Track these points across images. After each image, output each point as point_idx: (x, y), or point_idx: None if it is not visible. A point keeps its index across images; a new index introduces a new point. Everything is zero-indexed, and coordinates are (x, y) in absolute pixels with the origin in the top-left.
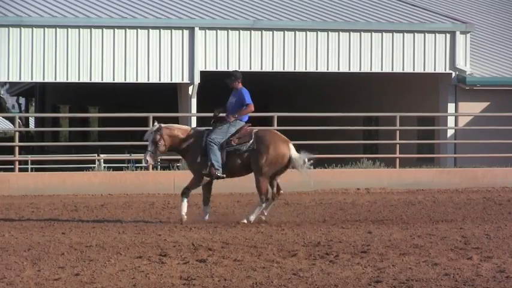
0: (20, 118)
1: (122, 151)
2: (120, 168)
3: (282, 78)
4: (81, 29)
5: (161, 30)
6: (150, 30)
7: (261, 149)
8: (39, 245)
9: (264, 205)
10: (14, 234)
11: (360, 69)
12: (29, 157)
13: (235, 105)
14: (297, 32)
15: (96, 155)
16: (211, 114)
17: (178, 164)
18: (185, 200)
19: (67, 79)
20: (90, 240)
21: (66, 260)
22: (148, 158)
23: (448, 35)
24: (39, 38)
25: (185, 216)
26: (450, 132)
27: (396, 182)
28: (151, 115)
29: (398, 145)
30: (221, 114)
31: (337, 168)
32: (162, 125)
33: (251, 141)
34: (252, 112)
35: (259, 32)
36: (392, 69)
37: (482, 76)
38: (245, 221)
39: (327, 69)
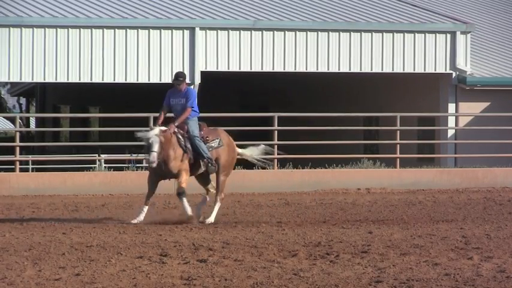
0: (20, 118)
1: (122, 151)
2: (121, 168)
3: (282, 78)
4: (81, 29)
5: (162, 30)
6: (151, 30)
7: (229, 147)
8: (40, 245)
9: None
10: (15, 234)
11: (361, 69)
12: (30, 157)
13: (184, 106)
14: (297, 32)
15: (96, 155)
16: (213, 115)
17: None
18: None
19: (68, 79)
20: (91, 240)
21: (67, 260)
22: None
23: (448, 35)
24: (40, 38)
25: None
26: (450, 133)
27: (396, 182)
28: (151, 115)
29: (398, 145)
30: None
31: (337, 168)
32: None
33: (219, 139)
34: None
35: (260, 32)
36: (392, 70)
37: (482, 76)
38: (207, 221)
39: (328, 70)
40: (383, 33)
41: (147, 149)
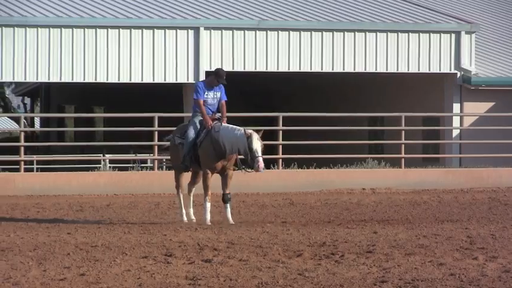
0: (25, 118)
1: (127, 151)
2: (126, 169)
3: (287, 78)
4: (86, 29)
5: (166, 30)
6: (155, 30)
7: None
8: (44, 245)
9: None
10: (20, 234)
11: (365, 69)
12: (35, 157)
13: (219, 100)
14: (302, 32)
15: (101, 155)
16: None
17: None
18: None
19: (72, 79)
20: (96, 240)
21: (72, 260)
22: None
23: (453, 35)
24: (44, 38)
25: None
26: (455, 133)
27: (401, 182)
28: (156, 115)
29: (403, 145)
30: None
31: (342, 169)
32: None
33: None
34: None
35: (264, 32)
36: (397, 69)
37: (487, 76)
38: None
39: (332, 70)
40: (388, 33)
41: (249, 153)
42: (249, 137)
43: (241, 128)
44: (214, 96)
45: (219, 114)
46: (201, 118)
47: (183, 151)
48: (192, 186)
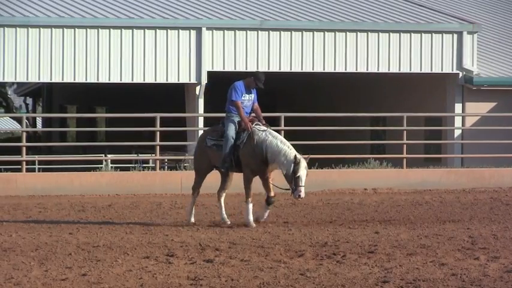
0: (27, 118)
1: (129, 151)
2: (128, 169)
3: (289, 78)
4: (88, 29)
5: (168, 30)
6: (157, 30)
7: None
8: (46, 245)
9: None
10: (21, 234)
11: (367, 70)
12: (36, 157)
13: (253, 102)
14: (304, 32)
15: (103, 155)
16: (220, 115)
17: (185, 164)
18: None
19: (74, 79)
20: (98, 241)
21: (74, 260)
22: None
23: (455, 35)
24: (46, 38)
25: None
26: (457, 133)
27: (403, 182)
28: (158, 115)
29: (405, 145)
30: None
31: (344, 169)
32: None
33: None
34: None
35: (266, 32)
36: (399, 70)
37: (489, 76)
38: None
39: (334, 70)
40: (390, 34)
41: (293, 179)
42: (297, 164)
43: (292, 148)
44: (249, 99)
45: (253, 114)
46: (239, 119)
47: (224, 152)
48: (222, 192)
